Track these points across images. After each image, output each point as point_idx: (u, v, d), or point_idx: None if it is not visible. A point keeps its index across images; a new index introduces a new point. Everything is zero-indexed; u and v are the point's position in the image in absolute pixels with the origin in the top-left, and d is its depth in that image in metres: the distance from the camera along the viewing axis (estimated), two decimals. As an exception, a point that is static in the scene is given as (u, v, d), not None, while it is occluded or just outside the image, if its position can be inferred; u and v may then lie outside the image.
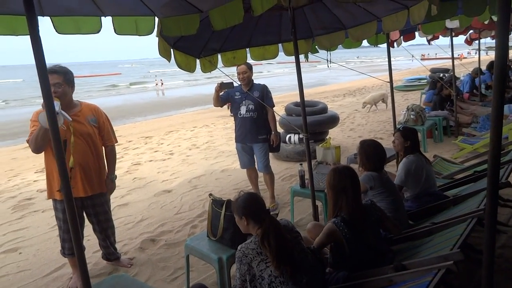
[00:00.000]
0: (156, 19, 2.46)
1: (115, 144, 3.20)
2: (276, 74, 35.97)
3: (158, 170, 6.54)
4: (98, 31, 2.43)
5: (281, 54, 4.17)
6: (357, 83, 21.21)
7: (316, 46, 4.27)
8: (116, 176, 3.25)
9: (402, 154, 3.37)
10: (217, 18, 2.31)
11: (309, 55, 4.51)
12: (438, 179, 4.09)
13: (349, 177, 2.22)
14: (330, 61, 4.11)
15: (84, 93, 28.23)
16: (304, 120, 3.17)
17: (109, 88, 35.03)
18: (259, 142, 4.30)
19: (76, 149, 2.85)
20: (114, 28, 2.48)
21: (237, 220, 2.06)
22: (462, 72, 9.88)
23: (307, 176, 3.40)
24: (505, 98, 7.81)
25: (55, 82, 2.74)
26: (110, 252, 3.30)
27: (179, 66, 3.19)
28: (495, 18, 5.03)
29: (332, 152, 3.92)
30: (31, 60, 1.78)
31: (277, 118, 4.54)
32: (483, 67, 9.13)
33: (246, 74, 4.22)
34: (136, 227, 4.18)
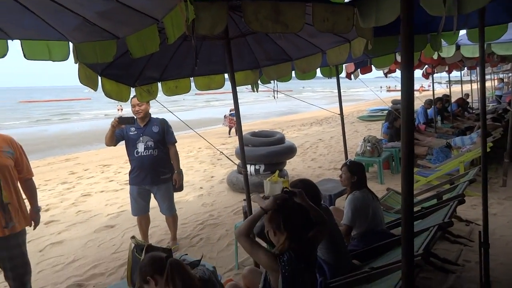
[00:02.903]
0: (71, 44, 2.25)
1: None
2: (249, 102, 36.23)
3: (107, 202, 6.12)
4: (4, 56, 2.19)
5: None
6: (325, 113, 21.57)
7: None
8: (40, 207, 2.95)
9: (349, 190, 3.23)
10: (134, 44, 2.12)
11: (260, 85, 4.41)
12: (390, 214, 3.98)
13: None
14: (277, 91, 4.00)
15: (45, 119, 27.23)
16: (243, 155, 2.99)
17: (75, 114, 34.13)
18: (161, 183, 3.88)
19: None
20: (23, 53, 2.25)
21: None
22: (419, 104, 10.19)
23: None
24: (459, 129, 8.05)
25: None
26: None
27: (109, 95, 2.94)
28: (442, 54, 5.17)
29: (280, 186, 3.72)
30: None
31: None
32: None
33: (142, 106, 3.78)
34: (65, 270, 3.76)
